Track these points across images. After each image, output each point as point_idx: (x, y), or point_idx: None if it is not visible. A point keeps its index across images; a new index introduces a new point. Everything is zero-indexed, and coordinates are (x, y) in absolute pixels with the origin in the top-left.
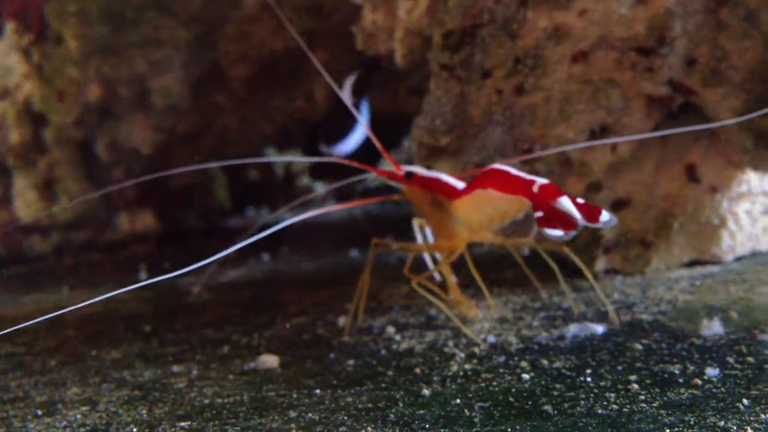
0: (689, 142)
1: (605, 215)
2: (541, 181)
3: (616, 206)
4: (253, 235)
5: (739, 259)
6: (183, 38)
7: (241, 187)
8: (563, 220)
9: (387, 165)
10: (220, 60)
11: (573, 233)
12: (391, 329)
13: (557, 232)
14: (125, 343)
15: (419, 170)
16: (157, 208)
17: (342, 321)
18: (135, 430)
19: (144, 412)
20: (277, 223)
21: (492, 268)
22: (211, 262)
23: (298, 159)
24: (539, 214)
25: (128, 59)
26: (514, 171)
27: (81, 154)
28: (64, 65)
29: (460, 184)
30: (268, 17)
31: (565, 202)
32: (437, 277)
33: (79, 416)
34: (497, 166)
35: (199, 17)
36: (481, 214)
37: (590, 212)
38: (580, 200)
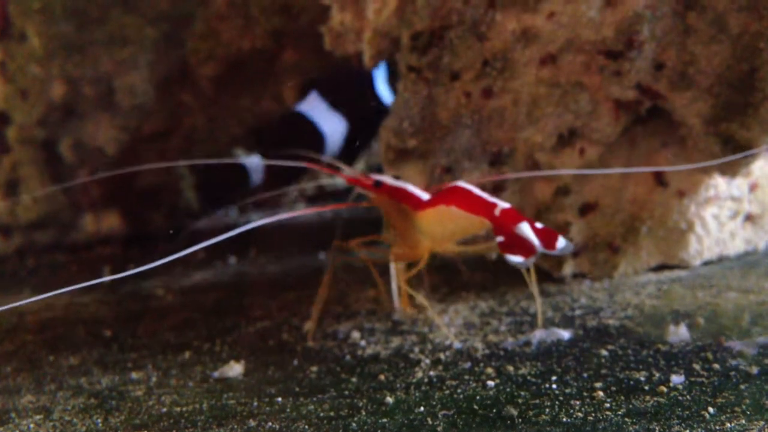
0: (657, 147)
1: (561, 242)
2: (503, 205)
3: (583, 210)
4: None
5: (706, 263)
6: (149, 36)
7: (210, 187)
8: (523, 246)
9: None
10: (188, 59)
11: (532, 260)
12: (356, 334)
13: (518, 259)
14: (84, 348)
15: (388, 179)
16: (122, 209)
17: (308, 325)
18: None
19: (99, 421)
20: (243, 223)
21: (459, 272)
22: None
23: (267, 161)
24: (501, 239)
25: (93, 57)
26: (477, 191)
27: (45, 154)
28: (27, 63)
29: (426, 196)
30: (236, 15)
31: (525, 228)
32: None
33: (32, 425)
34: (462, 184)
35: (167, 15)
36: (443, 228)
37: (548, 238)
38: (538, 225)
